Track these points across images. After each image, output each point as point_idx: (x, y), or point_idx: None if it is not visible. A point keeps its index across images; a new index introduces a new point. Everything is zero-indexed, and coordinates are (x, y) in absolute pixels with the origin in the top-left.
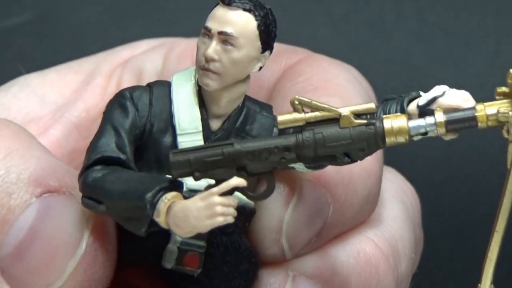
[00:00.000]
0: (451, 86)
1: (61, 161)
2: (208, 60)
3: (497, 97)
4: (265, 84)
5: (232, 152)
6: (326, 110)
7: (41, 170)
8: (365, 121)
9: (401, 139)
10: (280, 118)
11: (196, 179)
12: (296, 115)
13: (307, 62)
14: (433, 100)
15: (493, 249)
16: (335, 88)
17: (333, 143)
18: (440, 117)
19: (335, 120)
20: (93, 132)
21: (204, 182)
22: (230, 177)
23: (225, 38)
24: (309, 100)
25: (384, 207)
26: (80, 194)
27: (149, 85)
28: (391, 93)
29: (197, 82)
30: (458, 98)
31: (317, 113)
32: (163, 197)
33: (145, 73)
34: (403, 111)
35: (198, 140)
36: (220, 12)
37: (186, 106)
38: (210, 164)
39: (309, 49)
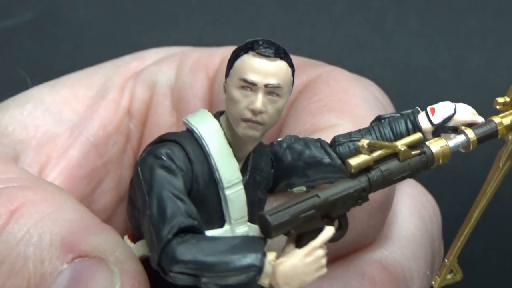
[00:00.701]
0: (452, 86)
1: (93, 218)
2: (256, 113)
3: (498, 107)
4: None
5: (322, 204)
6: (387, 147)
7: (73, 234)
8: (419, 151)
9: (445, 160)
10: (353, 163)
11: (290, 236)
12: (366, 157)
13: (325, 80)
14: (449, 118)
15: (467, 233)
16: (348, 109)
17: (397, 176)
18: (471, 134)
19: (394, 154)
20: (109, 148)
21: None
22: (317, 226)
23: (271, 90)
24: (375, 142)
25: (400, 225)
26: (112, 256)
27: (176, 141)
28: (392, 93)
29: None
30: (469, 113)
31: (380, 151)
32: (269, 260)
33: (158, 85)
34: (415, 129)
35: (240, 188)
36: (260, 64)
37: (225, 158)
38: (304, 218)
39: (309, 49)
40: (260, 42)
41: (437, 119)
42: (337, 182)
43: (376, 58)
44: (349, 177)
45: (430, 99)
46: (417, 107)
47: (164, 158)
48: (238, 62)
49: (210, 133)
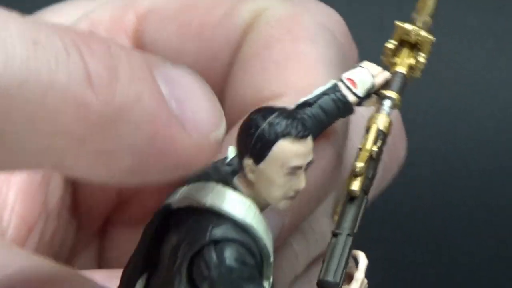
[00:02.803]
0: (451, 85)
1: None
2: (299, 190)
3: (389, 52)
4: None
5: (354, 239)
6: (368, 158)
7: None
8: (381, 141)
9: (391, 129)
10: (356, 188)
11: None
12: (362, 178)
13: (267, 21)
14: (372, 87)
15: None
16: (294, 65)
17: (377, 172)
18: (394, 94)
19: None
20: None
21: None
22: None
23: (309, 165)
24: (363, 159)
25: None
26: None
27: (234, 240)
28: None
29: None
30: (381, 74)
31: (367, 165)
32: None
33: None
34: (346, 106)
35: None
36: (300, 149)
37: (266, 232)
38: (349, 259)
39: None
40: (289, 122)
41: (361, 91)
42: (344, 212)
43: (376, 58)
44: (350, 201)
45: (430, 99)
46: (334, 80)
47: (238, 267)
48: (278, 150)
49: (252, 217)
